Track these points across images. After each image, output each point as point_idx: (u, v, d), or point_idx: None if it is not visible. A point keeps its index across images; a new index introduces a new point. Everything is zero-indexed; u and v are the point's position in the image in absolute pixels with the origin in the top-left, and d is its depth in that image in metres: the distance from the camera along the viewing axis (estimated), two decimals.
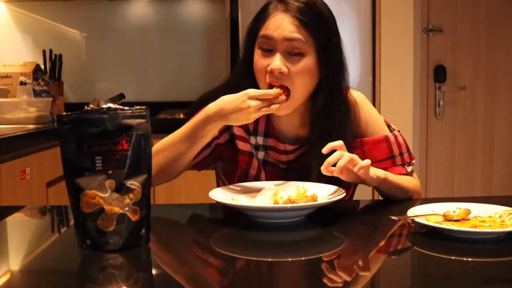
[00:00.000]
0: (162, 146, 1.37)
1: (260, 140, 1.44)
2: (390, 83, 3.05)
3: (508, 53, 3.31)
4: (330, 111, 1.36)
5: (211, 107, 1.29)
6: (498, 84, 3.33)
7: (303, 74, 1.32)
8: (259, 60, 1.33)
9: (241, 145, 1.44)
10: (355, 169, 1.21)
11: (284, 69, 1.30)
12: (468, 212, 1.12)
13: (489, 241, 1.04)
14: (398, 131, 1.46)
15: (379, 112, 3.05)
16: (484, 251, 1.01)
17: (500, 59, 3.31)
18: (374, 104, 3.05)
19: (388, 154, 1.42)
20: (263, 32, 1.33)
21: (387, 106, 3.04)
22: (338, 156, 1.21)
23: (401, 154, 1.43)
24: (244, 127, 1.44)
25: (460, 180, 3.34)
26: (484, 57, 3.30)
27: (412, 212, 1.14)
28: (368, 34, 3.04)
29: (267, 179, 1.44)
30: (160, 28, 3.62)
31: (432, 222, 1.08)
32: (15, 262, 1.02)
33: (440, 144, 3.33)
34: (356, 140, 1.41)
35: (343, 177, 1.24)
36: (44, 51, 3.35)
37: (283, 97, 1.28)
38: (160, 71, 3.64)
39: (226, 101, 1.27)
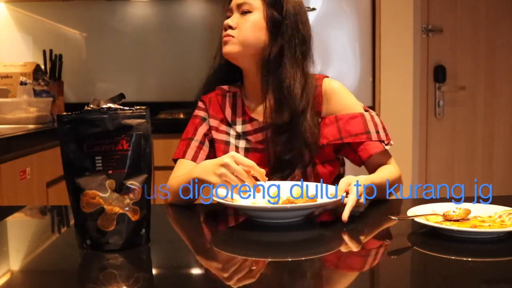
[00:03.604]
0: (174, 193, 1.42)
1: (239, 128, 1.53)
2: (390, 83, 3.05)
3: (508, 53, 3.31)
4: (283, 75, 1.46)
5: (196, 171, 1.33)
6: (498, 84, 3.33)
7: (249, 25, 1.48)
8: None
9: (216, 134, 1.53)
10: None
11: (232, 23, 1.49)
12: (468, 212, 1.12)
13: (489, 241, 1.04)
14: (376, 114, 1.53)
15: (379, 112, 3.06)
16: (484, 251, 1.01)
17: (500, 59, 3.31)
18: (374, 104, 3.05)
19: (364, 130, 1.47)
20: (227, 7, 1.53)
21: (387, 106, 3.04)
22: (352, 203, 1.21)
23: (377, 132, 1.48)
24: (221, 119, 1.54)
25: (460, 180, 3.34)
26: (484, 57, 3.30)
27: (412, 212, 1.15)
28: (368, 34, 3.04)
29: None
30: (160, 28, 3.62)
31: (432, 222, 1.08)
32: (15, 262, 1.02)
33: (440, 144, 3.33)
34: (330, 117, 1.49)
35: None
36: (44, 51, 3.35)
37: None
38: (160, 71, 3.64)
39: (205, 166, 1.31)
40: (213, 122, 1.54)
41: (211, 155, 1.52)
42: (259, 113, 1.52)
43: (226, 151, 1.49)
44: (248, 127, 1.52)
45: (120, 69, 3.63)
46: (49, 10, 3.57)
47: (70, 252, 1.05)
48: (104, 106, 1.03)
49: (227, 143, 1.52)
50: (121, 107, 1.04)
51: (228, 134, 1.53)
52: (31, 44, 3.57)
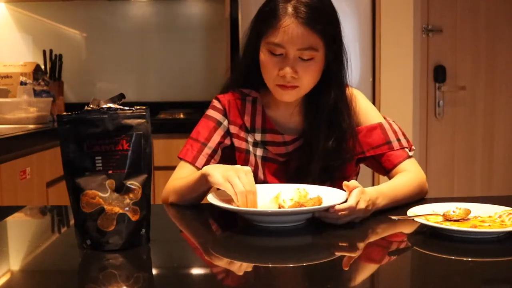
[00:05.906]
0: (176, 192, 1.38)
1: (258, 136, 1.47)
2: (390, 83, 3.05)
3: (508, 53, 3.31)
4: (333, 104, 1.42)
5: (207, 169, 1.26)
6: (498, 84, 3.33)
7: (312, 74, 1.37)
8: (269, 62, 1.36)
9: (237, 142, 1.47)
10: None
11: (295, 74, 1.34)
12: (468, 212, 1.12)
13: (489, 241, 1.04)
14: (393, 121, 1.50)
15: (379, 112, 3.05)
16: (484, 251, 1.01)
17: (500, 59, 3.31)
18: (374, 104, 3.05)
19: (384, 140, 1.44)
20: (274, 39, 1.33)
21: (387, 106, 3.04)
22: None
23: (398, 140, 1.45)
24: (240, 125, 1.47)
25: (460, 180, 3.34)
26: (484, 57, 3.30)
27: (412, 212, 1.15)
28: (368, 34, 3.04)
29: (267, 175, 1.46)
30: (160, 28, 3.62)
31: (432, 222, 1.08)
32: (15, 262, 1.02)
33: (440, 144, 3.33)
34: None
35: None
36: (44, 51, 3.36)
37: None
38: (160, 71, 3.65)
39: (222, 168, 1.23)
40: (234, 129, 1.46)
41: (221, 163, 1.45)
42: (281, 126, 1.47)
43: (247, 160, 1.45)
44: (268, 137, 1.46)
45: (120, 69, 3.63)
46: (49, 10, 3.57)
47: (70, 252, 1.05)
48: (104, 106, 1.03)
49: (247, 152, 1.46)
50: (121, 107, 1.04)
51: (246, 141, 1.47)
52: (31, 44, 3.57)
